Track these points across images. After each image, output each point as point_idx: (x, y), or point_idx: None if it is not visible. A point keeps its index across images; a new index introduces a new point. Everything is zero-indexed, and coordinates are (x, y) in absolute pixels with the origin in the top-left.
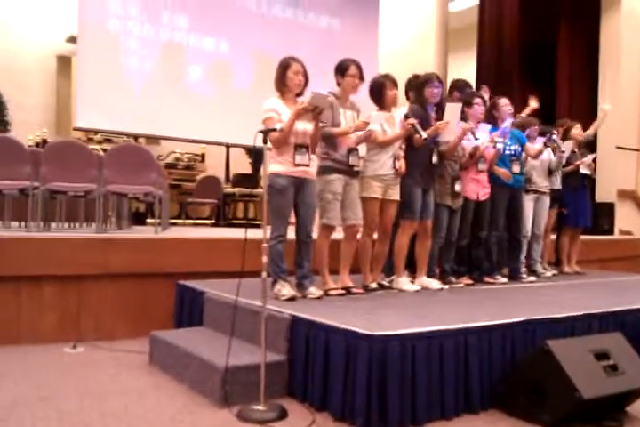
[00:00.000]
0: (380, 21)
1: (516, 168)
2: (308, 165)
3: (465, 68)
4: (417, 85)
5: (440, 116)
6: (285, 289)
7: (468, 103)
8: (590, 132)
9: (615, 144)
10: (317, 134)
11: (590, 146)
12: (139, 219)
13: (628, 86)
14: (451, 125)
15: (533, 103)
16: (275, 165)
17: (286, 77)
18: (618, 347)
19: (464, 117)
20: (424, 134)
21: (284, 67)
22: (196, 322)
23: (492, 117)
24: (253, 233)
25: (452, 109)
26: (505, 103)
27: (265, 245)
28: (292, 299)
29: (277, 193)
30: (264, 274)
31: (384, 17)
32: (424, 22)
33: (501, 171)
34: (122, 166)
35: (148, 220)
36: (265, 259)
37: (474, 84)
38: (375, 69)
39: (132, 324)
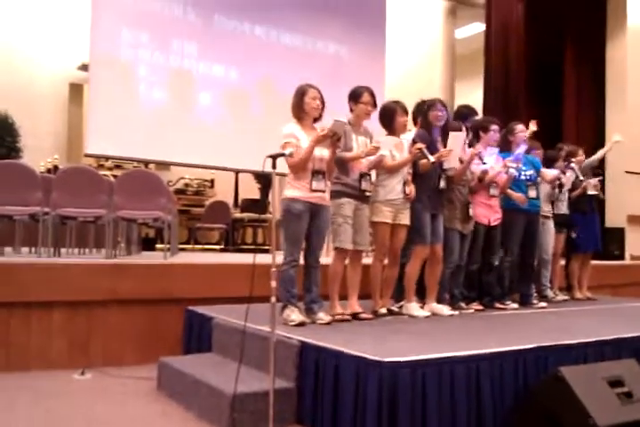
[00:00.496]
0: (386, 48)
1: (532, 193)
2: (324, 191)
3: (472, 93)
4: (422, 110)
5: (445, 140)
6: (294, 314)
7: (484, 128)
8: (595, 157)
9: (624, 169)
10: (333, 161)
11: (594, 170)
12: (148, 244)
13: (636, 109)
14: (454, 153)
15: (533, 127)
16: (291, 191)
17: (304, 103)
18: (632, 374)
19: (473, 142)
20: (432, 158)
21: (302, 93)
22: (205, 348)
23: (506, 143)
24: (263, 258)
25: (455, 138)
26: (521, 129)
27: (274, 269)
28: (300, 324)
29: (294, 218)
30: (273, 299)
31: (391, 43)
32: (431, 49)
33: (517, 195)
34: (132, 192)
35: (158, 245)
36: (274, 284)
37: (480, 110)
38: (382, 95)
39: (140, 350)
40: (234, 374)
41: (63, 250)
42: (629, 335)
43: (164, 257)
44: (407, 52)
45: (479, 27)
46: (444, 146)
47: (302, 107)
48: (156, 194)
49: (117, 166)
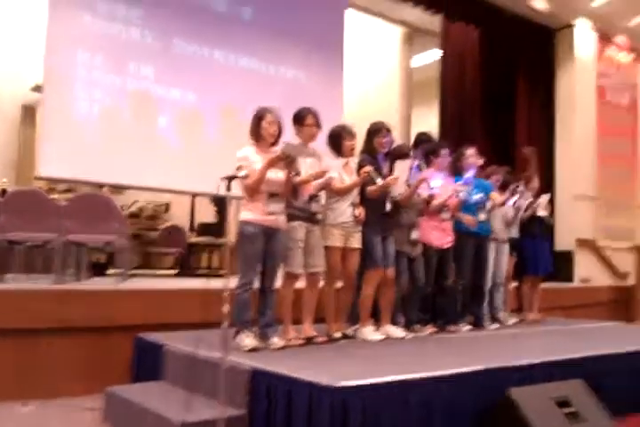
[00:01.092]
0: (344, 73)
1: (483, 216)
2: (280, 214)
3: (429, 119)
4: (367, 134)
5: (392, 164)
6: (248, 340)
7: (435, 153)
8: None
9: (573, 193)
10: (289, 183)
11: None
12: (99, 270)
13: (583, 136)
14: (400, 181)
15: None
16: (246, 213)
17: (261, 127)
18: (578, 394)
19: (422, 166)
20: (379, 181)
21: (260, 117)
22: (156, 377)
23: (457, 167)
24: (217, 283)
25: (402, 166)
26: (470, 154)
27: (226, 294)
28: (254, 350)
29: (247, 241)
30: (225, 324)
31: (348, 69)
32: (388, 75)
33: (467, 218)
34: (82, 216)
35: (109, 271)
36: (226, 308)
37: (437, 136)
38: (340, 120)
39: (87, 380)
40: (184, 403)
41: (9, 275)
42: (576, 356)
43: (114, 283)
44: (365, 78)
45: (436, 54)
46: (390, 170)
47: (259, 131)
48: (108, 218)
49: (68, 190)
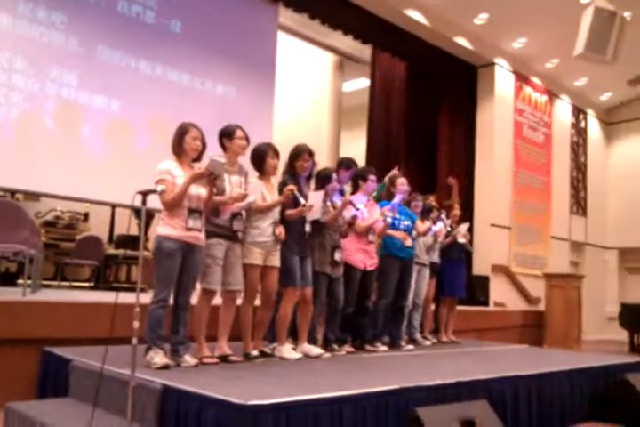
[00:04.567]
0: (275, 93)
1: (408, 242)
2: (199, 230)
3: (357, 143)
4: (289, 157)
5: (317, 186)
6: (158, 357)
7: (363, 178)
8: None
9: (490, 222)
10: (211, 200)
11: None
12: (9, 279)
13: (501, 168)
14: (314, 209)
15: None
16: (165, 228)
17: (184, 142)
18: (483, 414)
19: (343, 191)
20: (302, 200)
21: (183, 131)
22: (62, 393)
23: (389, 193)
24: (133, 297)
25: (315, 196)
26: (402, 182)
27: (137, 310)
28: (164, 367)
29: (165, 256)
30: (134, 340)
31: (280, 90)
32: (319, 98)
33: (398, 233)
34: None
35: (20, 281)
36: (136, 324)
37: (364, 161)
38: (270, 140)
39: None
40: (89, 421)
41: None
42: (483, 377)
43: (22, 294)
44: (295, 100)
45: (365, 82)
46: (309, 190)
47: (182, 145)
48: (18, 226)
49: None
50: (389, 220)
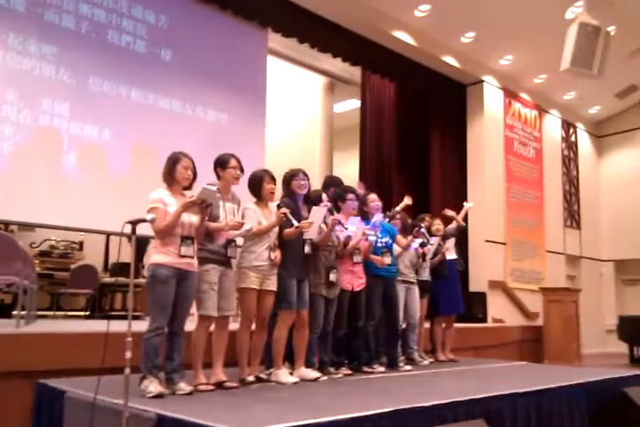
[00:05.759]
0: (267, 117)
1: (388, 259)
2: (192, 257)
3: (350, 164)
4: (285, 179)
5: (309, 207)
6: (153, 386)
7: (341, 198)
8: (453, 225)
9: (485, 238)
10: (203, 227)
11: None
12: (4, 311)
13: (493, 184)
14: (314, 225)
15: (407, 200)
16: (158, 256)
17: (175, 171)
18: None
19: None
20: (295, 223)
21: (174, 161)
22: (57, 425)
23: (363, 212)
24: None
25: (317, 211)
26: (373, 199)
27: (129, 339)
28: (158, 396)
29: (159, 284)
30: (127, 370)
31: (271, 114)
32: (310, 120)
33: (376, 258)
34: None
35: (15, 312)
36: (128, 354)
37: (357, 180)
38: (262, 164)
39: None
40: None
41: None
42: (480, 396)
43: (16, 325)
44: (287, 123)
45: (356, 103)
46: (308, 212)
47: (173, 175)
48: (11, 258)
49: None
50: (372, 238)
